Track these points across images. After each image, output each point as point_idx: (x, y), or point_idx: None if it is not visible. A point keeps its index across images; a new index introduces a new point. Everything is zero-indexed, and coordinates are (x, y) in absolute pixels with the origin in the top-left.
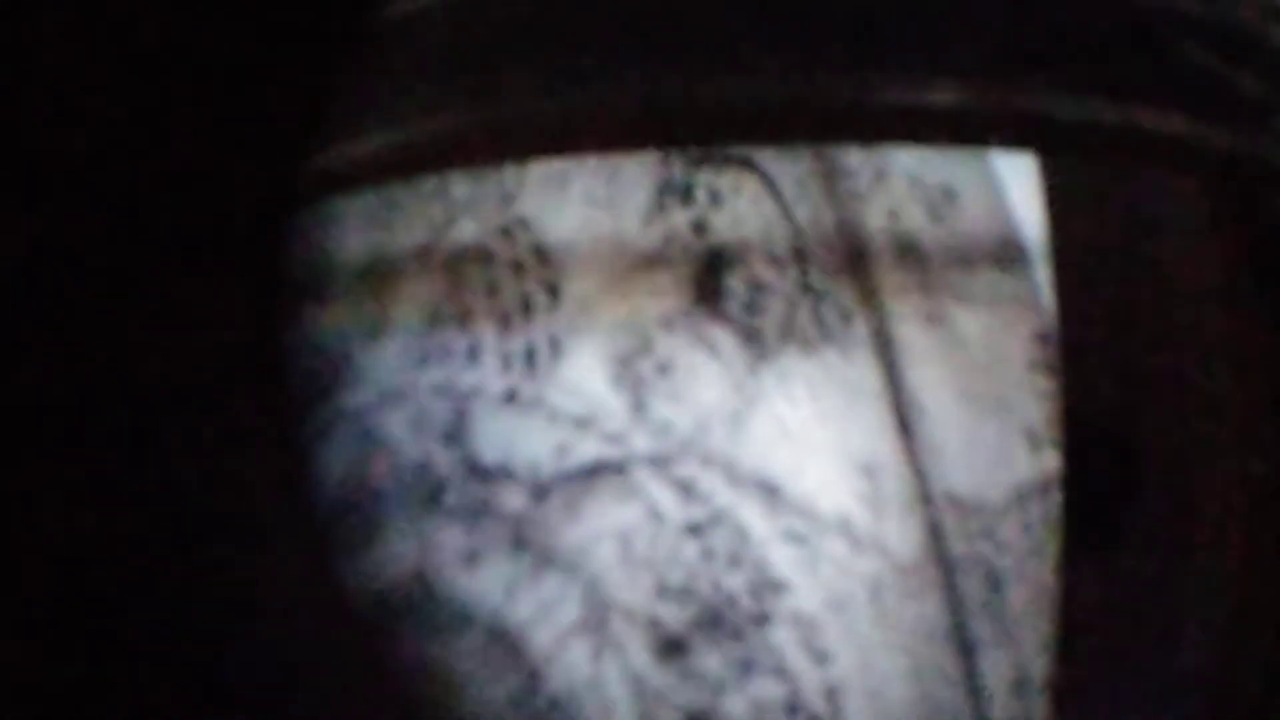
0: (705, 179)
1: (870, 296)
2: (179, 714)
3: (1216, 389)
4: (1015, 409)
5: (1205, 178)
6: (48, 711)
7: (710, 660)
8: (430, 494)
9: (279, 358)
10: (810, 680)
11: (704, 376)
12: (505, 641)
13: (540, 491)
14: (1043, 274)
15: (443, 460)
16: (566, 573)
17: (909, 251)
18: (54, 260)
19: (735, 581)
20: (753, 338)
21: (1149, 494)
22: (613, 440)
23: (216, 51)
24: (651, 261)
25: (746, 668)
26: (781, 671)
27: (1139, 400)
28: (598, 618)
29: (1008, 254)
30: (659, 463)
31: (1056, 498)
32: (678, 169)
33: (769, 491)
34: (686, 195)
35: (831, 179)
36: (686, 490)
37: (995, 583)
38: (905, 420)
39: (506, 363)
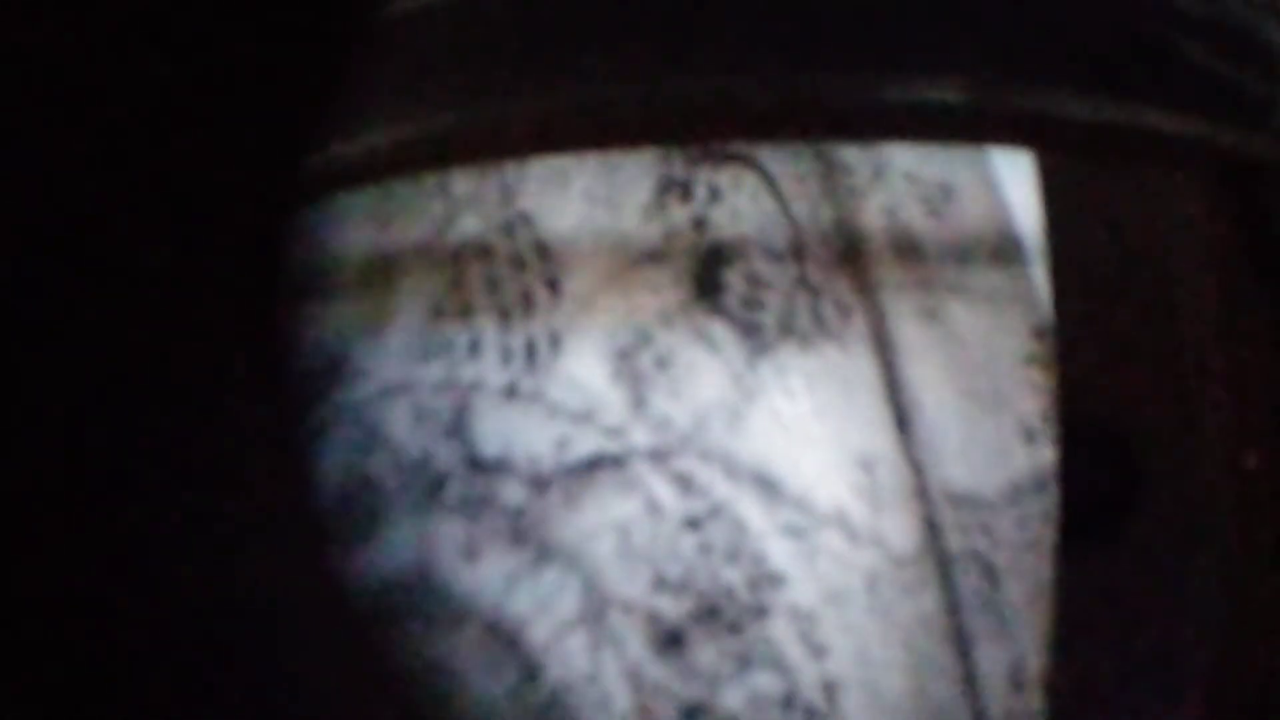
0: (705, 175)
1: (868, 292)
2: (179, 710)
3: (1214, 386)
4: (1012, 404)
5: (1205, 177)
6: (48, 711)
7: (708, 653)
8: (430, 488)
9: (280, 353)
10: (807, 673)
11: (703, 371)
12: (504, 634)
13: (540, 485)
14: (1039, 270)
15: (443, 454)
16: (565, 566)
17: (907, 248)
18: (54, 260)
19: (733, 575)
20: (751, 333)
21: (1147, 491)
22: (612, 434)
23: (217, 50)
24: (651, 257)
25: (744, 661)
26: (779, 665)
27: (1136, 396)
28: (596, 610)
29: (1005, 250)
30: (658, 456)
31: (1053, 493)
32: (677, 166)
33: (767, 485)
34: (686, 192)
35: (830, 176)
36: (685, 484)
37: (992, 577)
38: (902, 415)
39: (507, 357)
